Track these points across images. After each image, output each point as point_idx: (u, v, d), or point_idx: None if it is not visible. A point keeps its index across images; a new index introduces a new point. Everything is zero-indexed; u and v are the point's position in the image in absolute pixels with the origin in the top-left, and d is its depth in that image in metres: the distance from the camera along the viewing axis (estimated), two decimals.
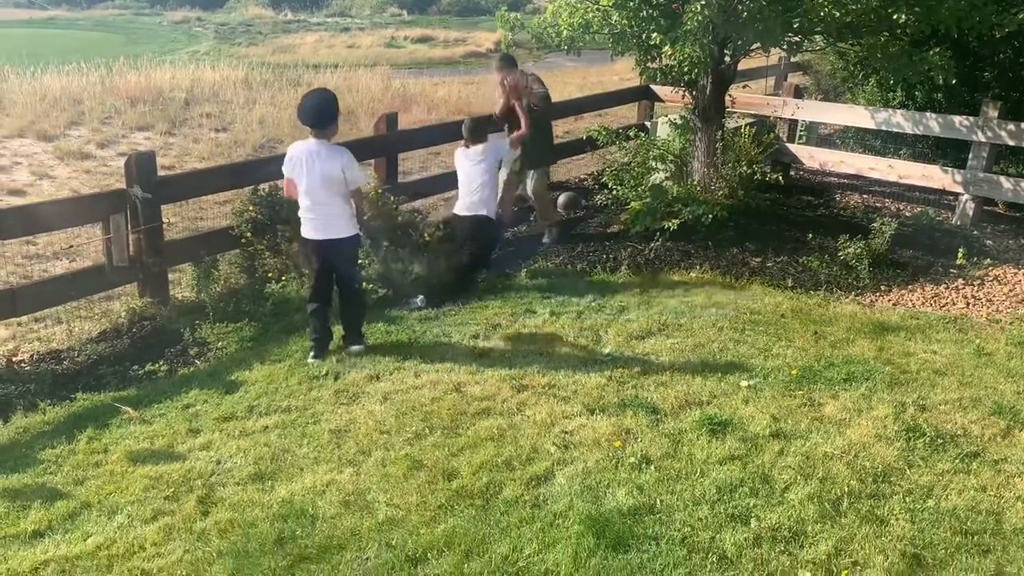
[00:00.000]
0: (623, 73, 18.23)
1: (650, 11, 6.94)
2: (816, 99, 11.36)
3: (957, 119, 8.16)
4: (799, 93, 9.77)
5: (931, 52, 7.24)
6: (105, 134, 12.68)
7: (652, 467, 4.02)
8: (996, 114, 7.83)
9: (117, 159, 10.79)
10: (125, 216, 5.77)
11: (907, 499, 3.79)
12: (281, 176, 6.55)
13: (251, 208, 6.34)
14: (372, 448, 4.24)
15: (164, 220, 6.23)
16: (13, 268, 6.99)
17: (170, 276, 6.36)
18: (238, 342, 5.64)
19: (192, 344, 5.65)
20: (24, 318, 5.99)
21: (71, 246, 7.32)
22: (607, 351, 5.38)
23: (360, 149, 7.64)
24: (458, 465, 4.05)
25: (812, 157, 9.41)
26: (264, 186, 6.48)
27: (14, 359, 5.41)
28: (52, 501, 3.87)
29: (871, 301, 6.40)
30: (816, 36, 7.69)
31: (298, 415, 4.63)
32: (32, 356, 5.57)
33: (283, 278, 6.22)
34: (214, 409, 4.75)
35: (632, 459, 4.07)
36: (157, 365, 5.36)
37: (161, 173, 6.37)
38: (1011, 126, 7.77)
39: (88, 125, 13.16)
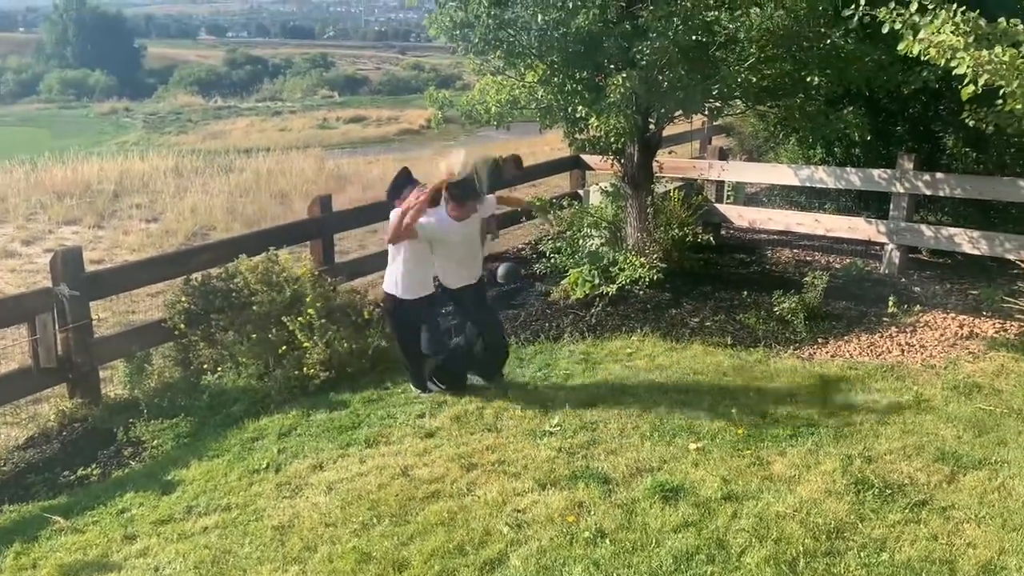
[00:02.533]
0: (554, 143, 18.59)
1: (575, 85, 7.11)
2: (741, 159, 11.71)
3: (876, 172, 8.48)
4: (724, 155, 10.06)
5: (845, 111, 7.55)
6: (31, 230, 12.40)
7: (607, 541, 3.95)
8: (912, 166, 8.16)
9: (44, 256, 10.52)
10: (52, 315, 5.59)
11: (862, 554, 3.79)
12: (214, 263, 6.50)
13: (183, 299, 6.21)
14: (318, 543, 4.09)
15: (94, 316, 6.05)
16: None
17: (102, 374, 6.15)
18: (174, 439, 5.45)
19: (126, 444, 5.45)
20: None
21: None
22: (555, 422, 5.33)
23: (295, 231, 7.64)
24: (409, 555, 3.92)
25: (741, 216, 9.64)
26: (197, 275, 6.36)
27: None
28: None
29: (809, 354, 6.50)
30: (736, 100, 7.96)
31: (239, 512, 4.45)
32: None
33: (219, 369, 6.06)
34: (151, 512, 4.54)
35: (587, 534, 4.00)
36: (89, 469, 5.14)
37: (90, 268, 6.22)
38: (926, 176, 8.10)
39: (13, 222, 12.86)
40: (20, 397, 5.85)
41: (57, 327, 5.62)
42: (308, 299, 6.21)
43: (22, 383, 5.67)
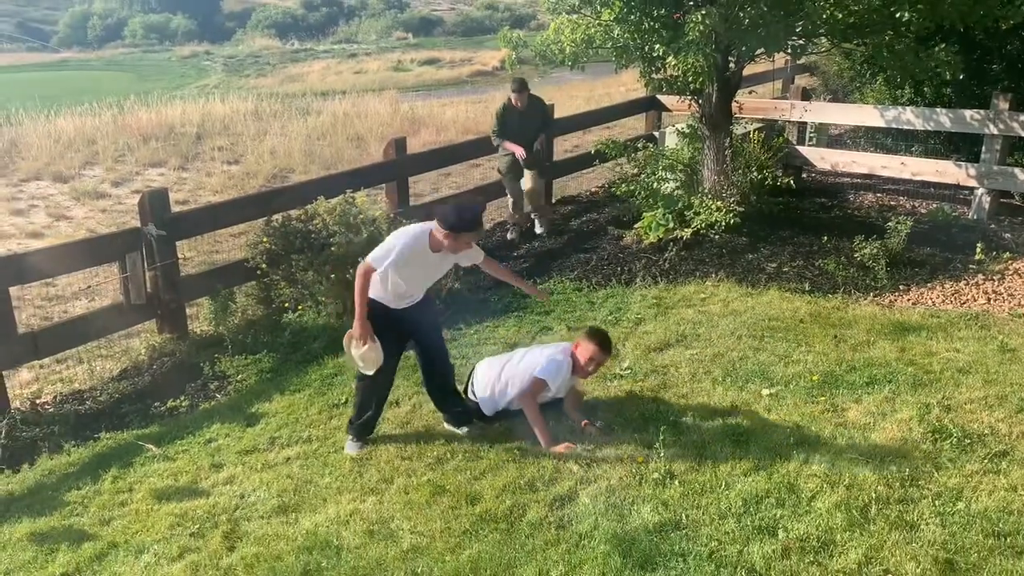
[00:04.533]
0: (629, 84, 18.25)
1: (652, 23, 6.95)
2: (824, 100, 11.32)
3: (968, 113, 8.11)
4: (807, 95, 9.74)
5: (937, 48, 7.20)
6: (119, 172, 12.84)
7: (676, 482, 3.99)
8: (1007, 106, 7.77)
9: (132, 197, 10.91)
10: (141, 254, 5.83)
11: (936, 503, 3.73)
12: (293, 205, 6.64)
13: (265, 240, 6.38)
14: (394, 475, 4.23)
15: (180, 255, 6.28)
16: (34, 310, 7.06)
17: (188, 311, 6.40)
18: (257, 374, 5.66)
19: (212, 378, 5.69)
20: (46, 360, 6.04)
21: (89, 286, 7.39)
22: (626, 365, 5.35)
23: (371, 174, 7.74)
24: (481, 489, 4.03)
25: (823, 159, 9.36)
26: (277, 216, 6.52)
27: (38, 401, 5.46)
28: (79, 543, 3.89)
29: (890, 301, 6.34)
30: (820, 38, 7.67)
31: (319, 445, 4.64)
32: (55, 397, 5.62)
33: (299, 308, 6.25)
34: (236, 443, 4.76)
35: (656, 474, 4.04)
36: (178, 401, 5.40)
37: (175, 209, 6.43)
38: (1023, 117, 7.71)
39: (102, 164, 13.32)
40: (113, 332, 6.14)
41: (146, 265, 5.85)
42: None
43: (114, 318, 5.94)
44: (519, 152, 8.06)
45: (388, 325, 4.37)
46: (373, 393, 4.54)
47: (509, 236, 8.44)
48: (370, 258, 4.22)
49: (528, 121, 8.23)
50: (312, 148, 13.95)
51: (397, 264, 4.21)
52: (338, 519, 3.90)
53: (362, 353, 4.30)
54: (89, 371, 6.01)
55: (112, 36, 63.95)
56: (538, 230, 8.58)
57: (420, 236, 4.22)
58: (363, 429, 4.58)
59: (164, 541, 3.85)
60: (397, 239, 4.22)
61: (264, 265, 6.32)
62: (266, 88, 29.10)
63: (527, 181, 8.36)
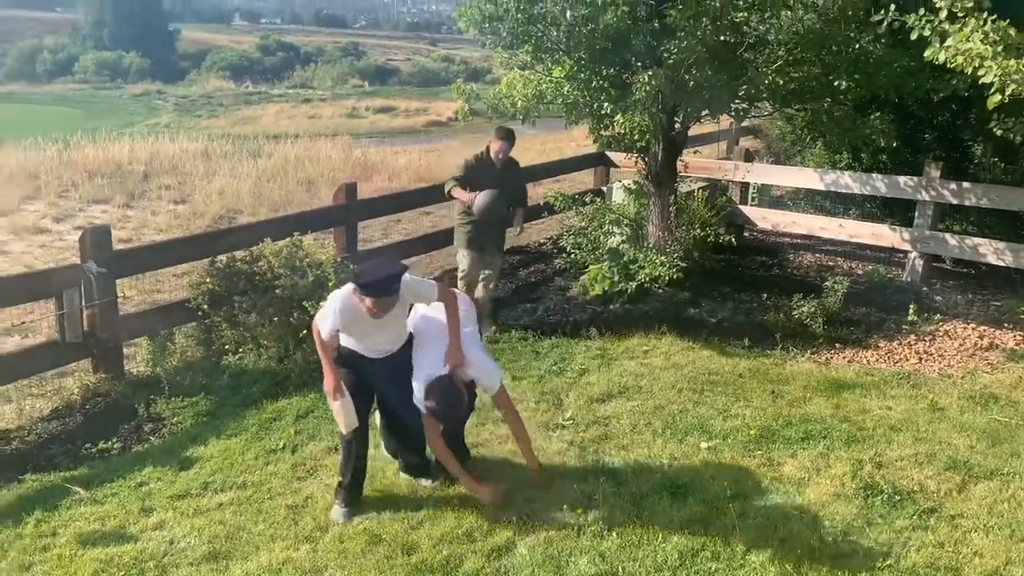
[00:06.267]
0: (579, 140, 18.57)
1: (601, 82, 7.12)
2: (767, 162, 11.66)
3: (902, 179, 8.42)
4: (750, 157, 10.03)
5: (873, 116, 7.51)
6: (62, 208, 12.58)
7: (614, 533, 4.00)
8: (938, 174, 8.10)
9: (73, 233, 10.69)
10: (79, 291, 5.71)
11: (867, 558, 3.81)
12: (239, 246, 6.59)
13: (208, 280, 6.30)
14: (329, 523, 4.16)
15: (120, 294, 6.17)
16: None
17: (125, 351, 6.27)
18: (194, 417, 5.55)
19: (147, 420, 5.56)
20: None
21: (23, 322, 7.19)
22: (568, 415, 5.38)
23: (320, 218, 7.73)
24: (418, 538, 3.99)
25: (765, 218, 9.62)
26: (222, 257, 6.46)
27: None
28: None
29: (826, 359, 6.49)
30: (763, 102, 7.94)
31: (254, 491, 4.54)
32: None
33: (240, 350, 6.16)
34: (168, 487, 4.64)
35: (594, 526, 4.05)
36: (110, 443, 5.25)
37: (118, 246, 6.33)
38: (953, 185, 8.04)
39: (44, 199, 13.05)
40: (46, 370, 5.97)
41: (84, 303, 5.73)
42: (331, 284, 6.28)
43: (48, 356, 5.79)
44: (467, 199, 6.64)
45: (360, 376, 4.28)
46: (351, 451, 4.31)
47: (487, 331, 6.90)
48: (317, 318, 4.22)
49: (499, 180, 6.81)
50: (262, 190, 13.86)
51: (340, 328, 4.17)
52: (270, 567, 3.82)
53: (335, 409, 4.23)
54: (18, 410, 5.82)
55: (62, 71, 63.20)
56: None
57: (347, 298, 4.06)
58: (351, 492, 4.32)
59: None
60: (331, 303, 4.13)
61: (206, 306, 6.23)
62: (218, 129, 28.92)
63: (483, 285, 7.17)
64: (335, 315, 4.09)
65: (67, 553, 4.02)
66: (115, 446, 5.22)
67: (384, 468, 4.69)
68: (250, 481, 4.66)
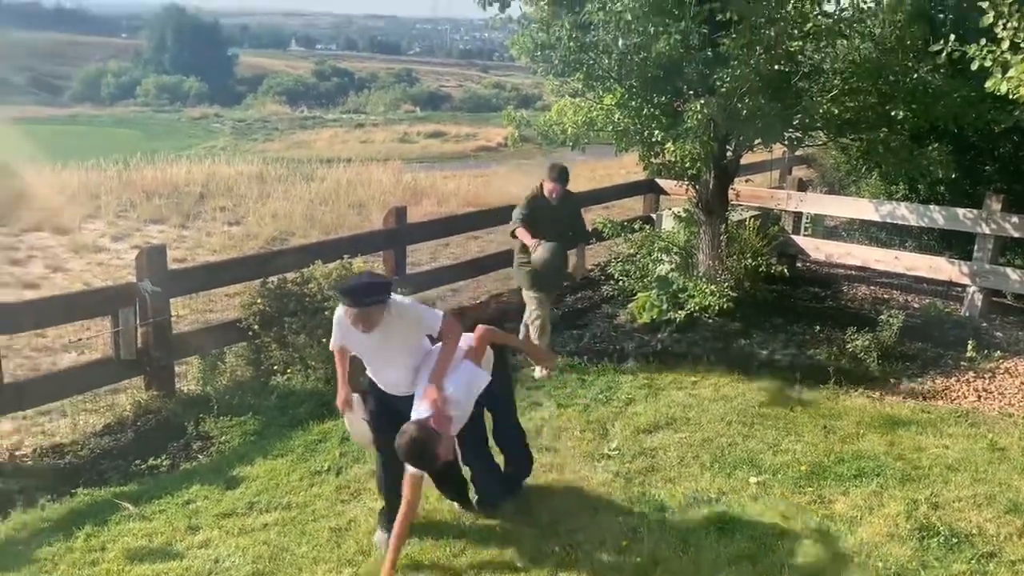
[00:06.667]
0: (629, 166, 18.54)
1: (652, 110, 7.11)
2: (821, 191, 11.49)
3: (961, 212, 8.23)
4: (803, 186, 9.90)
5: (931, 147, 7.37)
6: (120, 227, 12.92)
7: (659, 568, 3.92)
8: (999, 207, 7.90)
9: (130, 252, 10.95)
10: (134, 310, 5.82)
11: None
12: (290, 268, 6.67)
13: (259, 301, 6.39)
14: (372, 547, 4.15)
15: (173, 313, 6.28)
16: (22, 360, 7.02)
17: (177, 369, 6.37)
18: (241, 436, 5.61)
19: (195, 438, 5.62)
20: (30, 411, 5.98)
21: (80, 339, 7.36)
22: (614, 446, 5.31)
23: (369, 240, 7.81)
24: (459, 566, 3.96)
25: (818, 249, 9.47)
26: (273, 279, 6.55)
27: (17, 453, 5.39)
28: None
29: (880, 394, 6.33)
30: (817, 131, 7.84)
31: (298, 512, 4.56)
32: (35, 450, 5.54)
33: (288, 371, 6.22)
34: (214, 505, 4.69)
35: (639, 559, 3.98)
36: (160, 460, 5.33)
37: (173, 266, 6.46)
38: (1015, 219, 7.83)
39: (104, 219, 13.41)
40: (100, 386, 6.09)
41: (138, 321, 5.84)
42: None
43: (102, 373, 5.91)
44: (531, 244, 6.36)
45: (382, 408, 4.26)
46: (383, 479, 4.28)
47: (538, 374, 6.63)
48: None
49: (558, 220, 6.69)
50: (314, 213, 14.07)
51: (342, 342, 4.24)
52: None
53: (346, 422, 4.29)
54: (72, 425, 5.94)
55: (125, 94, 65.26)
56: (538, 374, 6.67)
57: (342, 313, 4.03)
58: (391, 517, 4.13)
59: None
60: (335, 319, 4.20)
61: (256, 326, 6.31)
62: (273, 152, 29.53)
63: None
64: (336, 326, 4.19)
65: (115, 568, 4.06)
66: (164, 463, 5.29)
67: (427, 493, 4.67)
68: (295, 502, 4.68)
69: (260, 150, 32.04)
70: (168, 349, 6.05)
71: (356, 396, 4.36)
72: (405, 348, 4.09)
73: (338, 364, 4.34)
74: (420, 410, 3.92)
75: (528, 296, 6.79)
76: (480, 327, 4.28)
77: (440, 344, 4.11)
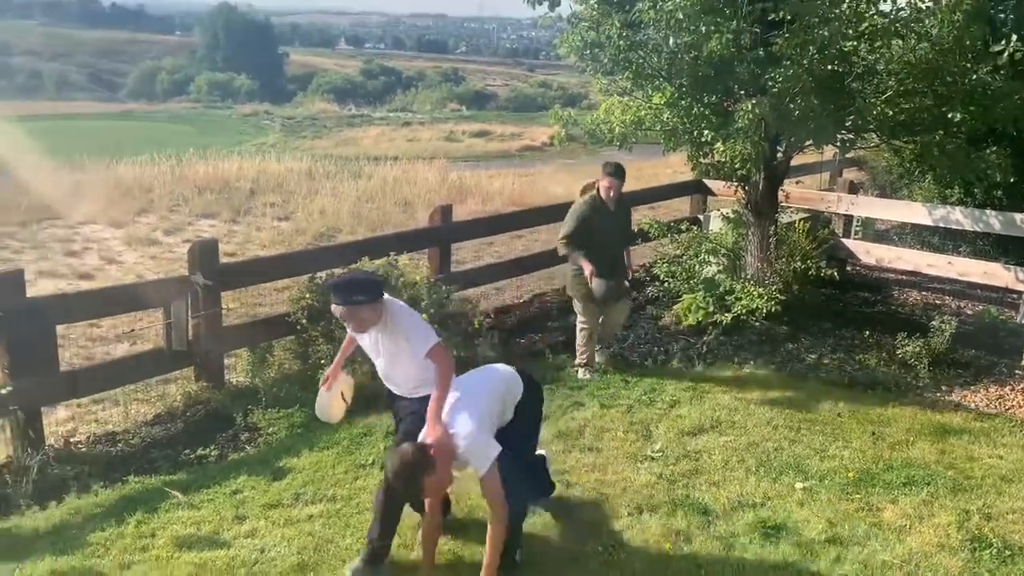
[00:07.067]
0: (676, 166, 18.41)
1: (702, 109, 7.05)
2: (872, 195, 11.30)
3: (1018, 216, 8.02)
4: (854, 189, 9.74)
5: (988, 150, 7.20)
6: (172, 221, 13.18)
7: (702, 572, 3.89)
8: None
9: (182, 245, 11.16)
10: (186, 302, 5.93)
11: None
12: (338, 264, 6.74)
13: (307, 296, 6.46)
14: (414, 542, 4.18)
15: (223, 306, 6.39)
16: (77, 350, 7.19)
17: (226, 361, 6.48)
18: (288, 428, 5.68)
19: (243, 429, 5.71)
20: (84, 399, 6.13)
21: (132, 330, 7.52)
22: (657, 447, 5.28)
23: (415, 238, 7.86)
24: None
25: (868, 253, 9.30)
26: (321, 274, 6.62)
27: (71, 440, 5.52)
28: None
29: (931, 402, 6.20)
30: (870, 133, 7.71)
31: (343, 504, 4.61)
32: (89, 437, 5.67)
33: None
34: (261, 496, 4.76)
35: (682, 563, 3.95)
36: (208, 450, 5.42)
37: (223, 260, 6.56)
38: None
39: (157, 212, 13.70)
40: (151, 376, 6.21)
41: (190, 313, 5.95)
42: (423, 304, 6.37)
43: (154, 363, 6.03)
44: (587, 272, 6.24)
45: (391, 406, 4.32)
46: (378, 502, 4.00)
47: (582, 375, 6.58)
48: None
49: (616, 223, 6.50)
50: (360, 210, 14.22)
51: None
52: None
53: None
54: (124, 414, 6.07)
55: (178, 91, 66.49)
56: (581, 375, 6.59)
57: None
58: (373, 551, 3.97)
59: None
60: None
61: (304, 321, 6.38)
62: (321, 150, 29.87)
63: (613, 314, 6.75)
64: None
65: (164, 555, 4.15)
66: (212, 453, 5.38)
67: (469, 490, 4.69)
68: (340, 495, 4.73)
69: (309, 147, 32.45)
70: (218, 341, 6.15)
71: (343, 376, 4.52)
72: (405, 351, 3.92)
73: (343, 346, 4.47)
74: (425, 434, 3.73)
75: (581, 308, 6.62)
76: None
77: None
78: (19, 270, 5.25)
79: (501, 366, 4.23)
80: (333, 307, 3.87)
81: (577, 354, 6.72)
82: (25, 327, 5.06)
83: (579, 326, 6.69)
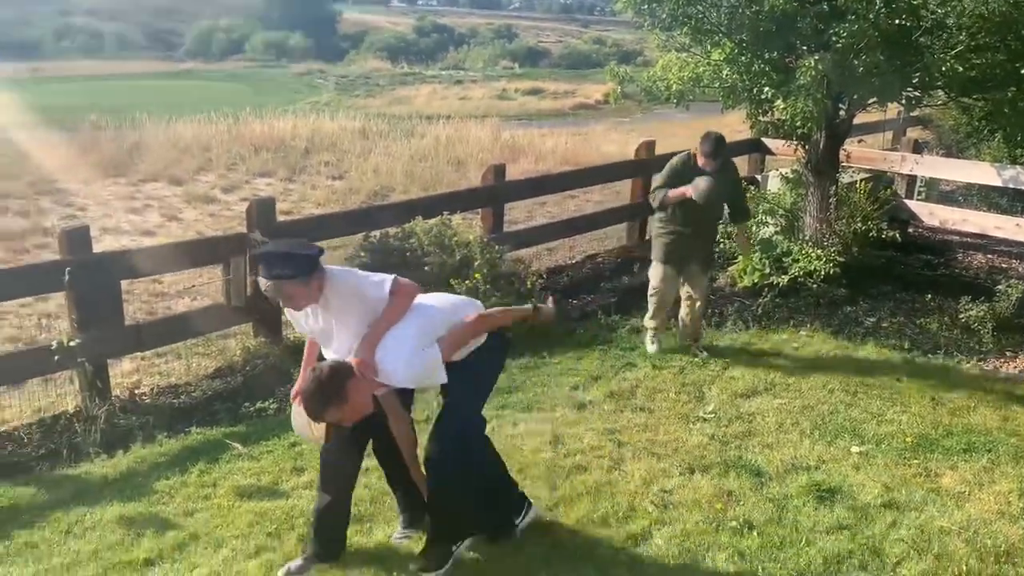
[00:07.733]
0: (734, 125, 18.00)
1: (762, 66, 6.89)
2: (937, 154, 10.96)
3: None
4: (919, 148, 9.46)
5: None
6: (230, 179, 13.39)
7: (755, 532, 3.88)
8: None
9: (240, 204, 11.34)
10: (245, 259, 6.04)
11: None
12: (393, 223, 6.78)
13: (362, 254, 6.53)
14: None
15: None
16: (140, 304, 7.39)
17: (283, 317, 6.59)
18: None
19: None
20: (148, 353, 6.31)
21: (193, 286, 7.69)
22: (710, 409, 5.26)
23: (468, 198, 7.86)
24: (551, 521, 4.00)
25: (932, 214, 9.05)
26: (376, 233, 6.67)
27: (136, 391, 5.70)
28: (163, 531, 4.03)
29: (995, 367, 6.06)
30: (937, 90, 7.45)
31: None
32: (152, 389, 5.85)
33: None
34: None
35: (734, 523, 3.95)
36: (267, 403, 5.54)
37: (280, 218, 6.65)
38: None
39: (215, 171, 13.93)
40: (211, 331, 6.36)
41: (248, 270, 6.06)
42: (476, 264, 6.39)
43: (214, 318, 6.17)
44: (685, 192, 5.66)
45: None
46: (321, 480, 3.76)
47: (651, 347, 6.25)
48: None
49: (719, 187, 5.71)
50: (414, 169, 14.26)
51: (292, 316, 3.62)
52: None
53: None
54: (186, 367, 6.24)
55: (235, 50, 66.88)
56: (650, 348, 6.26)
57: None
58: (319, 546, 3.69)
59: (242, 538, 3.95)
60: None
61: None
62: (374, 108, 29.93)
63: (687, 305, 6.21)
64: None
65: (226, 504, 4.28)
66: (271, 407, 5.51)
67: (521, 445, 4.73)
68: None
69: (362, 106, 32.51)
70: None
71: None
72: (354, 332, 3.41)
73: (305, 349, 3.77)
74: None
75: (654, 270, 6.14)
76: (476, 315, 3.62)
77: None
78: (85, 226, 5.38)
79: (467, 298, 3.91)
80: (259, 280, 3.30)
81: (645, 321, 6.31)
82: (92, 282, 5.20)
83: (650, 291, 6.20)
